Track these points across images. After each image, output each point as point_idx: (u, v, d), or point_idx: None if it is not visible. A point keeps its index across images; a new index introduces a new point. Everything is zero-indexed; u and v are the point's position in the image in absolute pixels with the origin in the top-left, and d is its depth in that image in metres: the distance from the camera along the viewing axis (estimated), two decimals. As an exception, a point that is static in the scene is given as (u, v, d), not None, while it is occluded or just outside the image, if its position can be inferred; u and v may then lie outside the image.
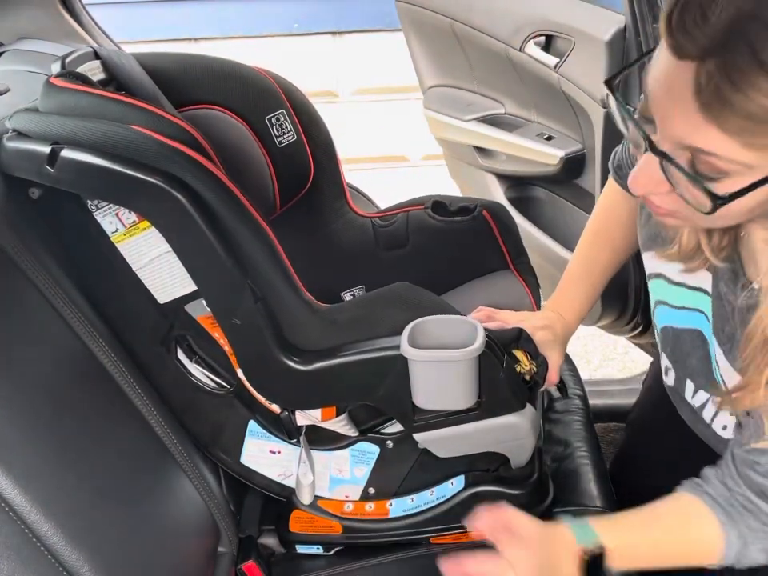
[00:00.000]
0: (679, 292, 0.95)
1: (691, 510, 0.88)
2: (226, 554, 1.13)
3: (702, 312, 0.93)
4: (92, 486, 0.90)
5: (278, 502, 1.17)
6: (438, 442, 1.05)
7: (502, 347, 0.99)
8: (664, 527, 0.90)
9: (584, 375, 1.45)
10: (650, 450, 1.22)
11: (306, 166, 1.24)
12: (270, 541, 1.17)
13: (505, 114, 1.78)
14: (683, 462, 1.06)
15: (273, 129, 1.20)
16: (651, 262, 0.99)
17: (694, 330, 0.94)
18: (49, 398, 0.91)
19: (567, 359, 1.43)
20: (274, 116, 1.20)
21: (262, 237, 0.97)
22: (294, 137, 1.22)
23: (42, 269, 0.99)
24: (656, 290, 1.00)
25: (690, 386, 1.00)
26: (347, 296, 1.32)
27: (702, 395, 0.97)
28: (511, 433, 1.04)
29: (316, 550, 1.16)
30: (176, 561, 0.99)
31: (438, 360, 0.96)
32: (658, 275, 0.98)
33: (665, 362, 1.04)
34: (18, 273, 0.97)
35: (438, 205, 1.29)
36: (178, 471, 1.08)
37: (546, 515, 1.09)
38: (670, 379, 1.04)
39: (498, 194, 1.77)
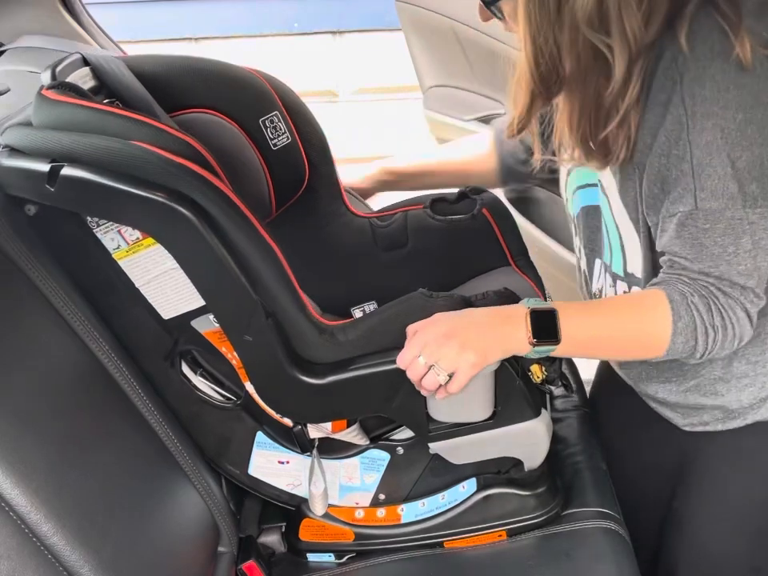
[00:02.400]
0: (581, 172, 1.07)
1: (649, 299, 0.92)
2: (226, 554, 1.13)
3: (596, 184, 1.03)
4: (92, 486, 0.89)
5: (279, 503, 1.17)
6: (452, 449, 1.05)
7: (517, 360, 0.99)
8: (617, 306, 0.96)
9: (584, 375, 1.45)
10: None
11: (302, 168, 1.22)
12: (270, 540, 1.17)
13: (505, 114, 1.78)
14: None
15: (267, 131, 1.17)
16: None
17: (597, 206, 1.05)
18: (51, 400, 0.92)
19: (567, 359, 1.43)
20: (267, 118, 1.17)
21: (270, 254, 0.96)
22: (288, 138, 1.19)
23: (49, 277, 0.98)
24: (570, 182, 1.11)
25: (597, 264, 1.08)
26: (357, 312, 1.31)
27: (605, 276, 1.06)
28: (527, 439, 1.04)
29: (328, 557, 1.15)
30: (176, 560, 0.99)
31: None
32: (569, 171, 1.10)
33: (578, 245, 1.12)
34: (25, 280, 0.96)
35: (437, 201, 1.27)
36: (179, 471, 1.07)
37: (554, 517, 1.10)
38: (582, 263, 1.14)
39: (497, 194, 1.77)
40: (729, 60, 0.83)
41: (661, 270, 0.94)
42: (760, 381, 0.99)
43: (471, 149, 1.32)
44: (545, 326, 0.89)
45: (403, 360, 0.92)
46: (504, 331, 0.91)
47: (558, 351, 0.90)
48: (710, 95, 0.84)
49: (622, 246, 1.01)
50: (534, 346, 0.89)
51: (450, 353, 0.89)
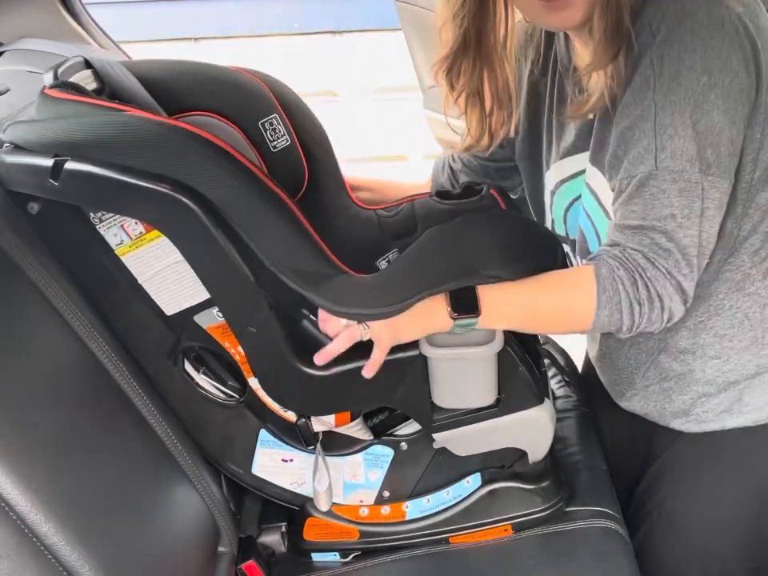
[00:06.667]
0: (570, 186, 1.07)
1: (576, 272, 0.94)
2: (226, 554, 1.13)
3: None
4: (92, 486, 0.90)
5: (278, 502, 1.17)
6: (457, 440, 1.05)
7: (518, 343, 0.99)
8: (542, 280, 0.93)
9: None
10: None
11: (301, 170, 1.22)
12: (270, 540, 1.17)
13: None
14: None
15: (266, 134, 1.18)
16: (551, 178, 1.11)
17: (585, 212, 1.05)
18: (51, 400, 0.92)
19: (567, 358, 1.43)
20: (267, 120, 1.18)
21: (284, 208, 0.96)
22: (287, 141, 1.20)
23: (50, 277, 0.98)
24: (559, 199, 1.10)
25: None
26: (383, 263, 1.28)
27: None
28: (531, 427, 1.04)
29: (333, 557, 1.15)
30: (176, 560, 0.99)
31: (460, 358, 0.96)
32: (557, 186, 1.09)
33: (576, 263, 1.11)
34: (24, 280, 0.96)
35: (442, 192, 1.27)
36: (179, 471, 1.07)
37: (559, 512, 1.10)
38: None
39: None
40: (698, 20, 0.84)
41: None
42: (725, 354, 0.98)
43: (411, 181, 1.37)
44: (464, 299, 0.90)
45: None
46: (425, 307, 0.91)
47: (480, 324, 0.91)
48: (677, 56, 0.84)
49: None
50: (455, 320, 0.90)
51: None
